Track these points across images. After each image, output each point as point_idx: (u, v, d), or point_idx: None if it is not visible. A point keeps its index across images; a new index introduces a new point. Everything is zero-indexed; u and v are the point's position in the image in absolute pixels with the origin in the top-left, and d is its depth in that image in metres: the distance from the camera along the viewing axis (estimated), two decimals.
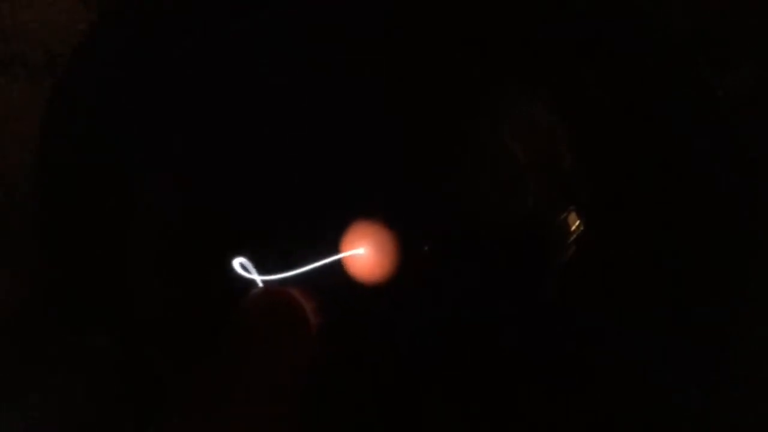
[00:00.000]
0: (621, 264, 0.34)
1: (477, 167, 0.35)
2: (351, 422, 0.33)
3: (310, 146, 0.34)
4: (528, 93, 0.35)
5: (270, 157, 0.34)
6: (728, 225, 0.33)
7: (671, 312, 0.34)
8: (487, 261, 0.34)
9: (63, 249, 0.33)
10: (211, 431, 0.21)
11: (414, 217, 0.33)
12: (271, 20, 0.34)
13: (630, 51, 0.33)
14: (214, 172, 0.35)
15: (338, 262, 0.31)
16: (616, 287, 0.34)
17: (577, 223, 0.34)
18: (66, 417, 0.33)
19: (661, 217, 0.33)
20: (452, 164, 0.35)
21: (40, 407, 0.33)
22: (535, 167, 0.34)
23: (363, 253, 0.31)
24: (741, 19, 0.34)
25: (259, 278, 0.27)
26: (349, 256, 0.31)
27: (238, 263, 0.28)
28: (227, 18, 0.34)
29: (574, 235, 0.34)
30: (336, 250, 0.31)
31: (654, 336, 0.33)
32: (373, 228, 0.32)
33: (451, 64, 0.34)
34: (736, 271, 0.34)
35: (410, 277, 0.32)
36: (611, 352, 0.34)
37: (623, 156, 0.34)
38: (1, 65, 0.33)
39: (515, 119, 0.35)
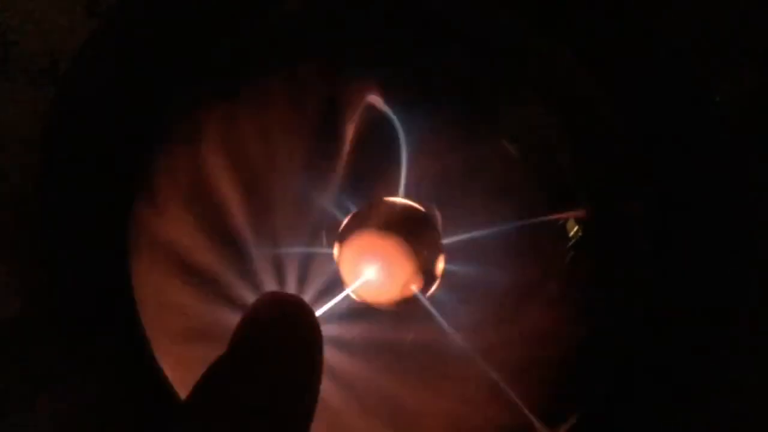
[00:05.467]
0: (619, 267, 0.34)
1: (476, 170, 0.35)
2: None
3: (306, 152, 0.34)
4: (529, 95, 0.35)
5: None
6: (727, 229, 0.34)
7: (671, 315, 0.34)
8: (486, 264, 0.34)
9: (64, 253, 0.33)
10: None
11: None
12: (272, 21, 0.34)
13: (629, 54, 0.34)
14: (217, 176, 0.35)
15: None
16: (615, 290, 0.34)
17: (576, 228, 0.34)
18: (65, 421, 0.33)
19: (659, 221, 0.34)
20: (451, 166, 0.35)
21: (35, 414, 0.33)
22: (534, 172, 0.34)
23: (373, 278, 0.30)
24: (740, 23, 0.34)
25: None
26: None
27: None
28: (229, 20, 0.34)
29: (573, 240, 0.34)
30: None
31: (653, 339, 0.34)
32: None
33: (451, 64, 0.34)
34: (736, 274, 0.34)
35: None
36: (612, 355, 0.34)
37: (622, 161, 0.34)
38: (2, 70, 0.33)
39: (515, 123, 0.35)
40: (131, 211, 0.34)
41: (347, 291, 0.31)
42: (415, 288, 0.31)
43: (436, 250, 0.32)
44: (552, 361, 0.34)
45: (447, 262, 0.33)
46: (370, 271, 0.30)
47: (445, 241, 0.33)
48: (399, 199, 0.33)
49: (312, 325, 0.23)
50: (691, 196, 0.34)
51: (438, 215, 0.33)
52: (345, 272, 0.31)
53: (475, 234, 0.33)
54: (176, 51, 0.33)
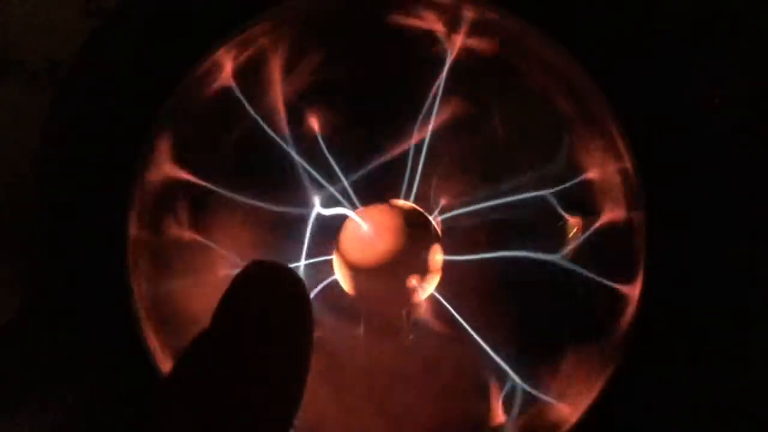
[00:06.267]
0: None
1: (475, 171, 0.35)
2: None
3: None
4: (528, 98, 0.35)
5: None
6: (727, 229, 0.34)
7: (671, 316, 0.34)
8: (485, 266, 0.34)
9: (62, 255, 0.33)
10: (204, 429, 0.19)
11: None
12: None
13: (629, 54, 0.34)
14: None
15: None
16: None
17: (575, 229, 0.34)
18: (65, 422, 0.33)
19: (658, 224, 0.34)
20: (451, 167, 0.35)
21: (36, 415, 0.33)
22: (536, 171, 0.34)
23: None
24: (740, 23, 0.34)
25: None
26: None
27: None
28: (229, 22, 0.34)
29: (573, 242, 0.34)
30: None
31: (653, 340, 0.34)
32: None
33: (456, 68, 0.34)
34: (736, 274, 0.34)
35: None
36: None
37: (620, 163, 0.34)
38: (1, 71, 0.33)
39: (517, 124, 0.35)
40: (131, 211, 0.34)
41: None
42: (415, 282, 0.31)
43: (433, 242, 0.33)
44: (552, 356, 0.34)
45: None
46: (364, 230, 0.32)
47: (443, 216, 0.33)
48: (402, 202, 0.33)
49: (301, 295, 0.22)
50: (691, 197, 0.34)
51: (439, 221, 0.34)
52: (343, 239, 0.32)
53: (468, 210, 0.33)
54: (176, 51, 0.33)
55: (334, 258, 0.33)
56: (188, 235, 0.34)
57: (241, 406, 0.20)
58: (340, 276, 0.33)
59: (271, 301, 0.21)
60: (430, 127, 0.33)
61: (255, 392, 0.20)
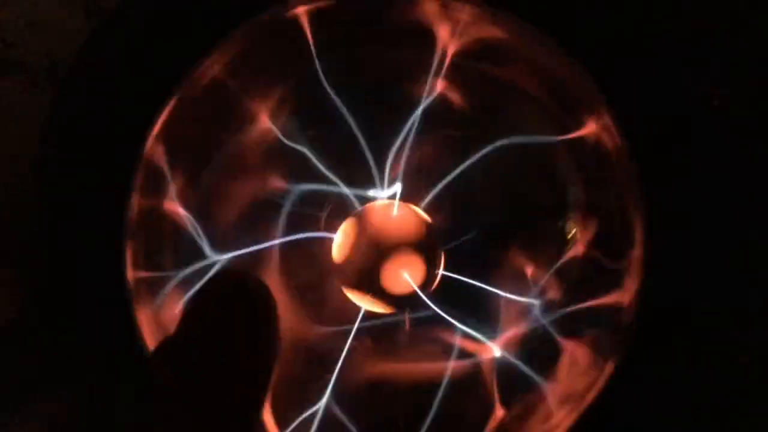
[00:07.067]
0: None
1: (474, 174, 0.35)
2: None
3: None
4: (526, 102, 0.35)
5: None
6: (727, 232, 0.34)
7: (671, 315, 0.34)
8: (485, 268, 0.34)
9: (62, 255, 0.33)
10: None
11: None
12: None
13: (629, 54, 0.34)
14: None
15: None
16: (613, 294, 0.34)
17: (574, 230, 0.34)
18: (64, 422, 0.33)
19: (658, 224, 0.34)
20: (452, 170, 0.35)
21: (36, 415, 0.33)
22: (534, 175, 0.34)
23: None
24: (740, 24, 0.34)
25: None
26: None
27: None
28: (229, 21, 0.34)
29: (571, 243, 0.34)
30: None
31: (653, 339, 0.34)
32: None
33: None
34: (736, 274, 0.34)
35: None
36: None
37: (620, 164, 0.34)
38: (1, 70, 0.33)
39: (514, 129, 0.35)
40: (130, 212, 0.34)
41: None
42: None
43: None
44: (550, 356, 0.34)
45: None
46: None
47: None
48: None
49: (266, 301, 0.23)
50: (691, 197, 0.34)
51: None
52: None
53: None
54: (176, 51, 0.33)
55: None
56: (187, 233, 0.34)
57: (224, 392, 0.21)
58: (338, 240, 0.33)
59: (235, 307, 0.23)
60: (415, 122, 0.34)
61: (221, 394, 0.21)
